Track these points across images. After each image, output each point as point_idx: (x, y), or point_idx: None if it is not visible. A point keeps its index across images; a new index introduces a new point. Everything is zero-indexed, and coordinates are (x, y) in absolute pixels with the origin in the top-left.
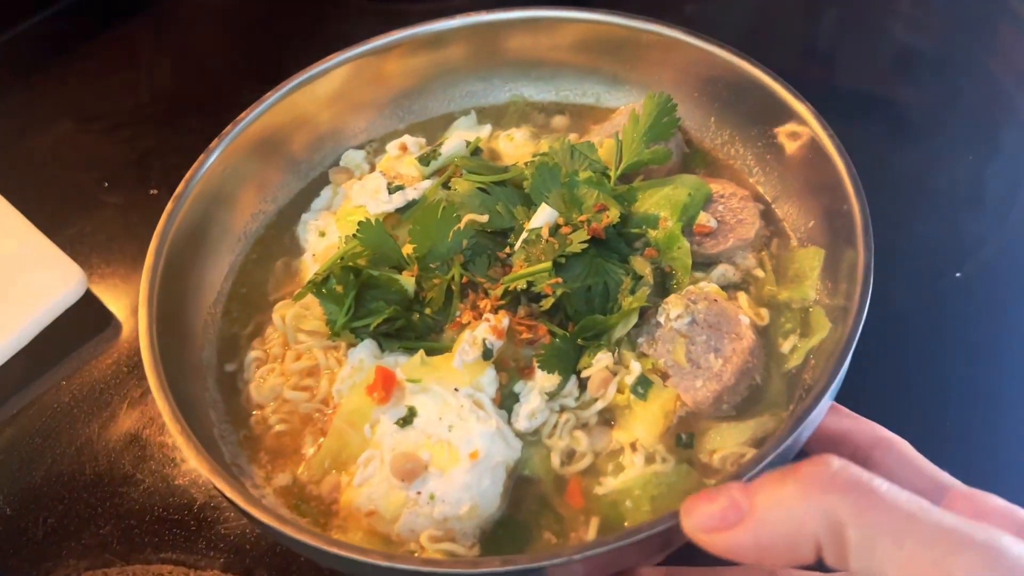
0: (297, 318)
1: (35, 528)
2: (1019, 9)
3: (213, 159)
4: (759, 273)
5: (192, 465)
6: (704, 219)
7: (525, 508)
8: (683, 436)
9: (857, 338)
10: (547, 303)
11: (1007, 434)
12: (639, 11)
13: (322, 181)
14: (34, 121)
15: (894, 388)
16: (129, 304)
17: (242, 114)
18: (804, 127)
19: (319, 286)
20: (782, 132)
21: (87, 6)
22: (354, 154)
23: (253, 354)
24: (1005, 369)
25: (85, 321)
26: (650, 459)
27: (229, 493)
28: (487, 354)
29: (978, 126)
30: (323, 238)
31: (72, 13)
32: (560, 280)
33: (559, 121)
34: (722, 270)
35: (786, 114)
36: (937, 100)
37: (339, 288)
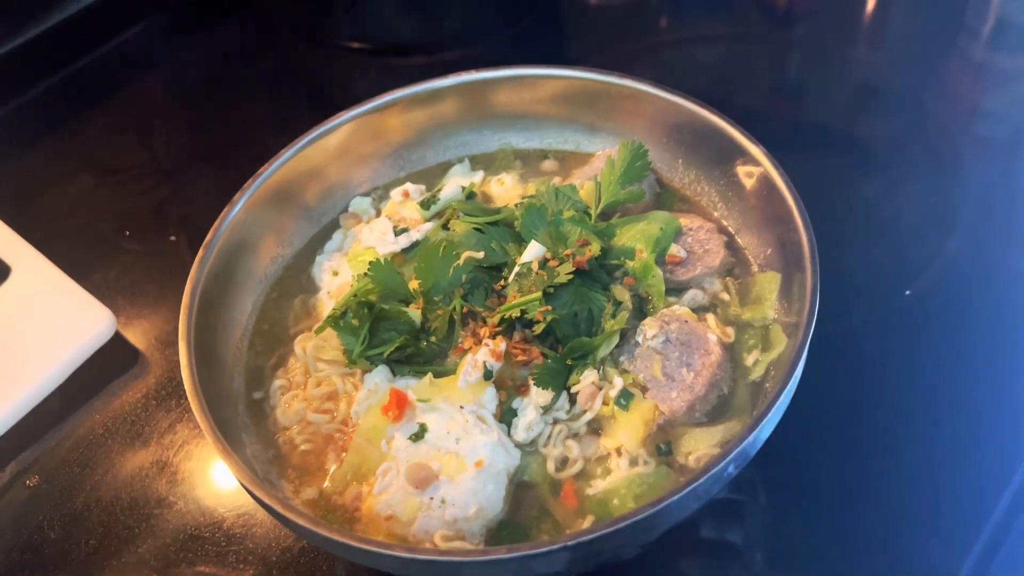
0: (317, 349)
1: (78, 549)
2: (966, 49)
3: (237, 209)
4: (725, 296)
5: (218, 489)
6: (675, 250)
7: (525, 509)
8: (662, 446)
9: (806, 349)
10: (539, 328)
11: (951, 436)
12: (614, 63)
13: (333, 226)
14: (57, 176)
15: (849, 396)
16: (154, 342)
17: (262, 168)
18: (758, 167)
19: (337, 320)
20: (740, 171)
21: (101, 67)
22: (361, 201)
23: (278, 383)
24: (952, 377)
25: (115, 359)
26: (633, 462)
27: (269, 501)
28: (488, 375)
29: (927, 156)
30: (336, 277)
31: (87, 72)
32: (550, 308)
33: (548, 165)
34: (692, 295)
35: (743, 156)
36: (891, 134)
37: (355, 321)
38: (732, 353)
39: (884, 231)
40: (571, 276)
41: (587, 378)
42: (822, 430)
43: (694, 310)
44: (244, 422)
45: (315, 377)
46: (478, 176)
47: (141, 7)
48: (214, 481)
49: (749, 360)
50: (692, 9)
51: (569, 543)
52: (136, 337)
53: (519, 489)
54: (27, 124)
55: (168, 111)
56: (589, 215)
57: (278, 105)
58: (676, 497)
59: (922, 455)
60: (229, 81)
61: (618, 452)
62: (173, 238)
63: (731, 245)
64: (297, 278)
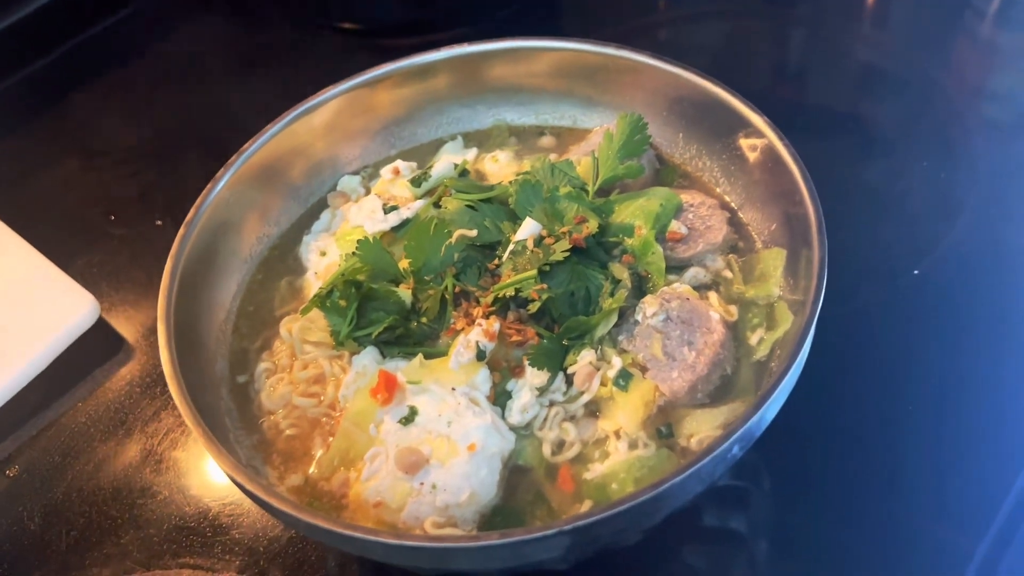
0: (303, 330)
1: (59, 541)
2: (972, 27)
3: (220, 187)
4: (727, 274)
5: (205, 478)
6: (676, 227)
7: (520, 494)
8: (663, 428)
9: (814, 326)
10: (533, 307)
11: (961, 418)
12: (613, 37)
13: (321, 205)
14: (41, 159)
15: (856, 378)
16: (139, 329)
17: (245, 145)
18: (762, 139)
19: (324, 299)
20: (744, 144)
21: (87, 50)
22: (350, 179)
23: (263, 365)
24: (961, 358)
25: (98, 346)
26: (633, 445)
27: (250, 487)
28: (480, 355)
29: (933, 137)
30: (324, 257)
31: (74, 55)
32: (545, 286)
33: (544, 141)
34: (694, 272)
35: (746, 128)
36: (896, 114)
37: (342, 302)
38: (735, 332)
39: (891, 211)
40: (567, 254)
41: (584, 358)
42: (827, 413)
43: (696, 288)
44: (228, 407)
45: (301, 359)
46: (471, 153)
47: None
48: (200, 470)
49: (753, 339)
50: None
51: (565, 528)
52: (120, 323)
53: (514, 474)
54: (11, 107)
55: (156, 94)
56: (586, 191)
57: (268, 88)
58: (678, 479)
59: (931, 438)
60: (218, 64)
61: (617, 435)
62: (159, 223)
63: (734, 221)
64: (283, 259)
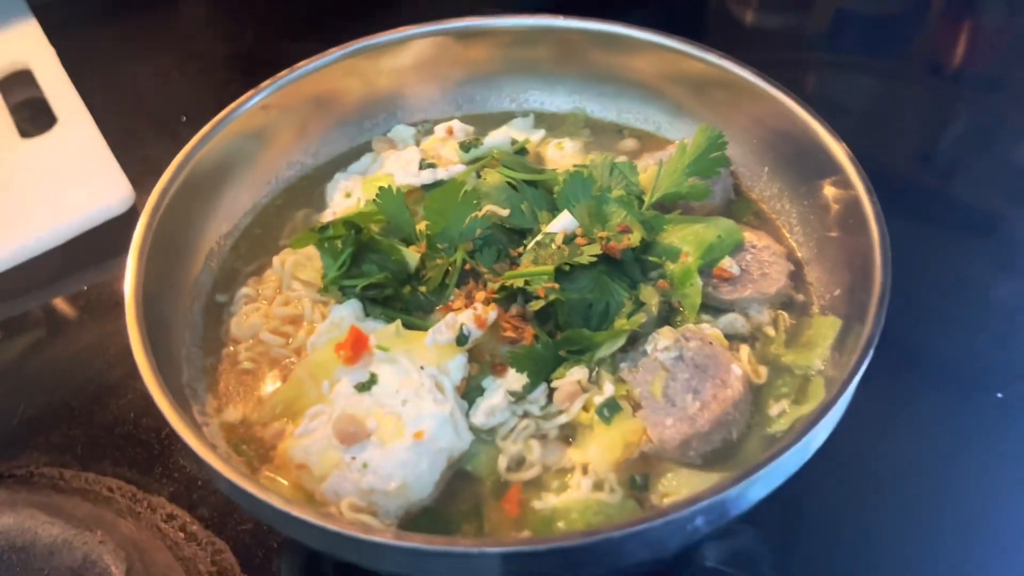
0: (296, 265)
1: (12, 413)
2: None
3: (259, 99)
4: (770, 331)
5: None
6: (727, 264)
7: (456, 503)
8: (637, 478)
9: (835, 408)
10: (535, 305)
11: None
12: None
13: (365, 147)
14: (139, 50)
15: (905, 488)
16: None
17: (302, 62)
18: (851, 192)
19: (321, 233)
20: (831, 197)
21: None
22: (404, 129)
23: (245, 290)
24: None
25: (122, 236)
26: (598, 486)
27: (170, 416)
28: (461, 340)
29: None
30: (348, 199)
31: None
32: (556, 286)
33: (627, 144)
34: (731, 319)
35: (840, 180)
36: None
37: (339, 243)
38: (757, 396)
39: (992, 326)
40: (594, 259)
41: (573, 375)
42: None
43: (728, 336)
44: (194, 321)
45: (285, 295)
46: (538, 135)
47: None
48: None
49: (774, 409)
50: (854, 43)
51: (472, 550)
52: None
53: (457, 478)
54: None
55: (264, 11)
56: (641, 201)
57: (361, 19)
58: (615, 534)
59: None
60: None
61: (584, 469)
62: None
63: (796, 276)
64: (309, 191)
